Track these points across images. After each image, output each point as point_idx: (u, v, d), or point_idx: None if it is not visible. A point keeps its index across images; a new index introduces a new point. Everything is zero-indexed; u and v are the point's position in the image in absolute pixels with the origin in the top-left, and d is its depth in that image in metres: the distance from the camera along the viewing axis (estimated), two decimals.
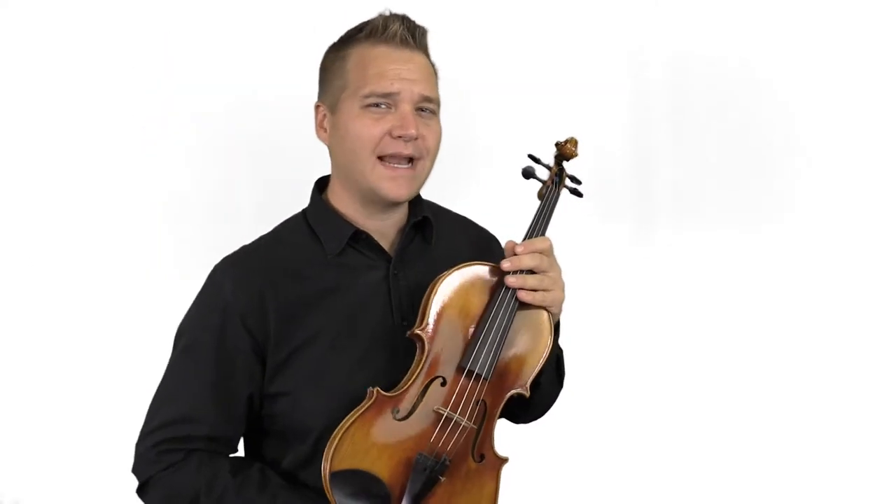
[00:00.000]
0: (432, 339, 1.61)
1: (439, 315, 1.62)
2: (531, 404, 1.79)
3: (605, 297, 2.87)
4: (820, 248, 2.95)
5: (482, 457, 1.63)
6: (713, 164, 2.96)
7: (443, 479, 1.58)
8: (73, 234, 2.75)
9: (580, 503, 2.92)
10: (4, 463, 2.76)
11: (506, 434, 1.85)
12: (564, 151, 1.75)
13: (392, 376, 1.62)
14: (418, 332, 1.61)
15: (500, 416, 1.85)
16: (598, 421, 2.91)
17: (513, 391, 1.65)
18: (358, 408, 1.57)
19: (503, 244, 1.70)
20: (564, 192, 1.77)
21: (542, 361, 1.66)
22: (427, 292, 1.63)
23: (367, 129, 1.64)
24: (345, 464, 1.54)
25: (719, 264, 2.98)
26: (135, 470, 1.70)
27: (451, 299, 1.63)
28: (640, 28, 2.95)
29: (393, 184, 1.66)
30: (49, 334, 2.75)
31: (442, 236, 1.80)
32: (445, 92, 1.75)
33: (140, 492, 1.71)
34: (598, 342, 2.73)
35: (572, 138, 1.76)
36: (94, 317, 2.76)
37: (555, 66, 2.93)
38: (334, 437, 1.55)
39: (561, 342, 1.84)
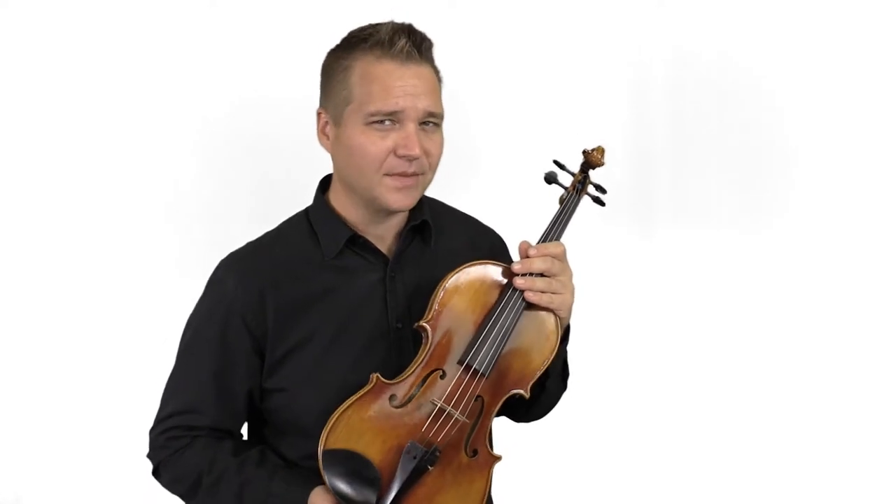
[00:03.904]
0: (435, 331, 1.64)
1: (445, 309, 1.65)
2: (534, 405, 1.80)
3: (604, 295, 2.86)
4: (819, 247, 2.95)
5: (475, 452, 1.65)
6: (713, 164, 2.96)
7: (432, 468, 1.59)
8: (76, 233, 2.76)
9: (578, 501, 2.92)
10: (4, 462, 2.76)
11: (504, 432, 1.86)
12: (591, 160, 1.75)
13: (387, 377, 1.64)
14: (423, 324, 1.64)
15: (500, 415, 1.86)
16: (595, 421, 2.91)
17: (513, 391, 1.66)
18: (357, 392, 1.61)
19: (508, 245, 1.71)
20: (586, 200, 1.77)
21: (545, 364, 1.67)
22: (436, 286, 1.65)
23: (372, 146, 1.65)
24: (339, 444, 1.58)
25: (719, 264, 2.98)
26: (149, 455, 1.78)
27: (458, 295, 1.66)
28: (641, 28, 2.95)
29: (398, 195, 1.68)
30: (49, 333, 2.76)
31: (442, 238, 1.81)
32: (446, 92, 1.75)
33: (155, 474, 1.79)
34: (596, 340, 2.72)
35: (600, 147, 1.76)
36: (95, 316, 2.77)
37: (555, 65, 2.93)
38: (331, 418, 1.58)
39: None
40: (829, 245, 2.95)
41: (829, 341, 2.95)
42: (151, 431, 1.77)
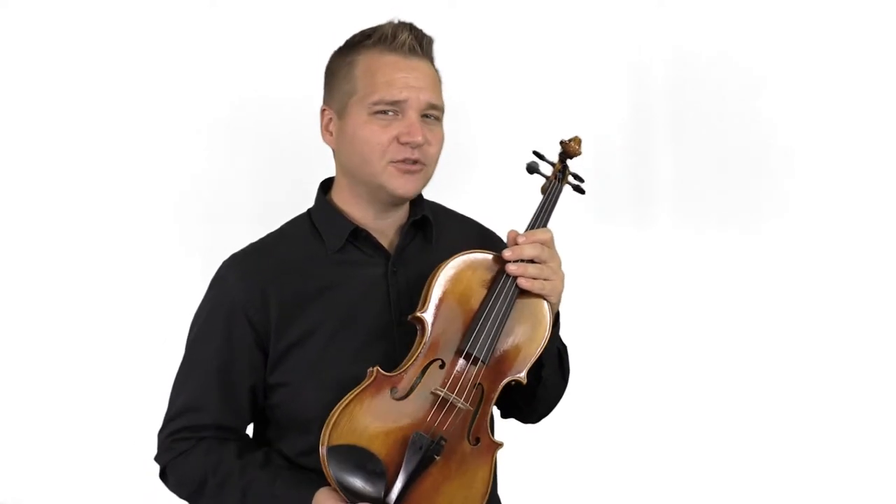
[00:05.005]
0: (433, 322, 1.65)
1: (440, 299, 1.66)
2: (537, 399, 1.81)
3: (603, 295, 2.87)
4: (819, 246, 2.95)
5: (477, 440, 1.65)
6: (713, 163, 2.96)
7: (438, 458, 1.60)
8: (76, 234, 2.76)
9: (577, 498, 2.93)
10: (4, 463, 2.76)
11: (506, 426, 1.86)
12: (568, 149, 1.79)
13: (387, 370, 1.64)
14: (419, 314, 1.65)
15: (508, 416, 1.88)
16: (595, 419, 2.92)
17: (510, 377, 1.68)
18: (357, 386, 1.60)
19: (505, 237, 1.73)
20: (567, 189, 1.80)
21: (539, 349, 1.69)
22: (429, 277, 1.67)
23: (376, 135, 1.68)
24: (342, 439, 1.57)
25: (718, 263, 2.98)
26: (156, 458, 1.79)
27: (452, 285, 1.67)
28: (640, 28, 2.95)
29: (402, 181, 1.70)
30: (50, 333, 2.76)
31: (443, 236, 1.83)
32: (446, 91, 1.77)
33: (162, 477, 1.80)
34: (595, 340, 2.73)
35: (576, 137, 1.80)
36: (96, 316, 2.76)
37: (555, 65, 2.93)
38: (333, 414, 1.58)
39: (562, 338, 1.85)
40: (829, 244, 2.95)
41: (828, 340, 2.95)
42: (160, 433, 1.79)
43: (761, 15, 2.93)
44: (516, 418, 1.91)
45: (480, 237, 1.90)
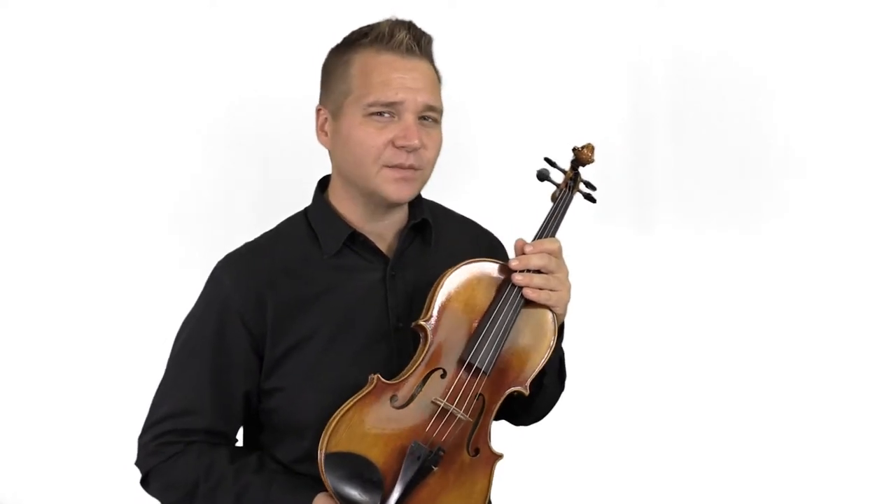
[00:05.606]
0: (435, 330, 1.63)
1: (443, 308, 1.64)
2: (533, 406, 1.80)
3: (603, 296, 2.87)
4: (819, 246, 2.95)
5: (477, 451, 1.64)
6: (713, 164, 2.96)
7: (436, 469, 1.59)
8: (76, 235, 2.76)
9: (576, 501, 2.93)
10: (3, 462, 2.76)
11: (502, 431, 1.86)
12: (581, 156, 1.76)
13: (387, 377, 1.62)
14: (422, 323, 1.63)
15: (501, 418, 1.87)
16: (594, 420, 2.92)
17: (512, 388, 1.66)
18: (357, 393, 1.59)
19: (506, 244, 1.71)
20: (578, 197, 1.77)
21: (543, 361, 1.67)
22: (433, 285, 1.65)
23: (371, 137, 1.65)
24: (340, 446, 1.56)
25: (718, 264, 2.98)
26: (137, 462, 1.74)
27: (456, 293, 1.65)
28: (641, 28, 2.95)
29: (395, 186, 1.67)
30: (50, 333, 2.76)
31: (442, 238, 1.81)
32: (446, 92, 1.75)
33: (143, 483, 1.75)
34: (596, 339, 2.73)
35: (589, 144, 1.77)
36: (97, 316, 2.77)
37: (555, 65, 2.93)
38: (332, 420, 1.56)
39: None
40: (829, 244, 2.95)
41: (828, 340, 2.95)
42: (141, 438, 1.73)
43: (761, 15, 2.92)
44: (508, 421, 1.89)
45: (480, 239, 1.88)
